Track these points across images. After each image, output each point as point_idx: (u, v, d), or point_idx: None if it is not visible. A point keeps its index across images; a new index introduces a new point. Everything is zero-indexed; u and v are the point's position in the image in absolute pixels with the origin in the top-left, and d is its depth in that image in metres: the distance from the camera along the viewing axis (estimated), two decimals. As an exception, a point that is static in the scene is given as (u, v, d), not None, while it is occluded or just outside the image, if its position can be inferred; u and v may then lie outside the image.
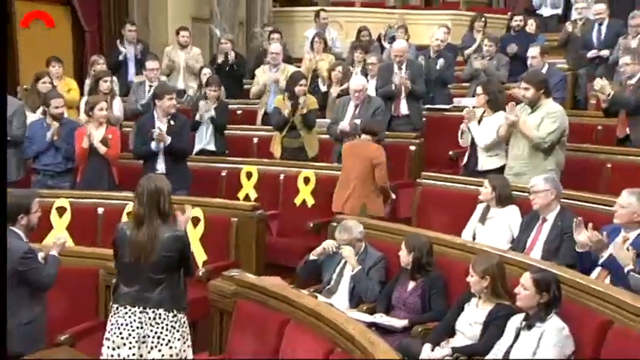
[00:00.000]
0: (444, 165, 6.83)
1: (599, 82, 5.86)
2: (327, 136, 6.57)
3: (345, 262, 4.58)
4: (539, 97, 5.25)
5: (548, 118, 5.20)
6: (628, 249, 3.63)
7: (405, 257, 4.29)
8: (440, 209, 5.51)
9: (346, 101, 6.40)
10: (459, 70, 8.30)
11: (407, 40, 8.17)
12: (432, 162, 6.81)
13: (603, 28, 7.86)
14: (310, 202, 6.03)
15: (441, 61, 7.52)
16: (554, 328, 3.42)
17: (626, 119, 5.88)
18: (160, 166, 5.81)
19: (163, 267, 3.55)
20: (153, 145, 5.79)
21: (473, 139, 5.66)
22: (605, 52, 7.72)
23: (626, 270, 3.57)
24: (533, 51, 6.78)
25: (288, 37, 9.85)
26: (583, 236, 3.90)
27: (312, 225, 5.73)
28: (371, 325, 4.02)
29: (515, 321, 3.58)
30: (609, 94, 5.75)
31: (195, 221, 5.11)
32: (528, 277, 3.52)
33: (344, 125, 6.23)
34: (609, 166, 5.64)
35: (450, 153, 6.83)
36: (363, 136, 5.72)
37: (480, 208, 4.98)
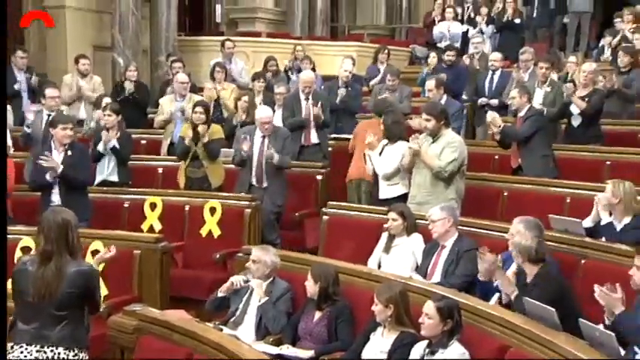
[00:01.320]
0: (351, 193, 6.91)
1: (491, 115, 6.14)
2: (233, 166, 6.52)
3: (251, 293, 4.53)
4: (439, 128, 5.44)
5: (448, 148, 5.38)
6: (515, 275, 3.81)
7: (311, 287, 4.29)
8: (346, 238, 5.55)
9: (251, 131, 6.35)
10: (364, 100, 8.49)
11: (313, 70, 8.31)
12: (338, 190, 6.88)
13: (496, 77, 8.08)
14: (216, 232, 5.95)
15: (341, 91, 7.68)
16: (456, 353, 3.50)
17: (517, 150, 6.16)
18: (55, 197, 5.59)
19: (67, 304, 3.42)
20: (47, 175, 5.59)
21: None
22: (494, 102, 7.90)
23: (512, 297, 3.73)
24: (429, 84, 7.03)
25: (194, 66, 9.78)
26: (484, 265, 4.04)
27: (218, 256, 5.66)
28: (277, 357, 3.99)
29: (419, 348, 3.64)
30: (500, 127, 6.03)
31: (96, 254, 4.93)
32: (432, 306, 3.59)
33: (246, 148, 6.16)
34: (506, 194, 5.87)
35: (356, 182, 6.93)
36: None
37: (384, 237, 5.06)
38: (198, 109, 6.46)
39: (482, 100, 8.05)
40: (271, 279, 4.53)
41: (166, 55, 9.83)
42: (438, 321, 3.55)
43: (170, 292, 5.24)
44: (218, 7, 12.55)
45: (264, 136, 6.22)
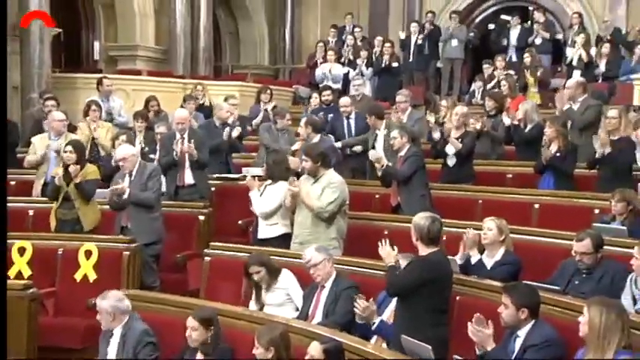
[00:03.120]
0: (236, 234, 6.81)
1: (374, 155, 6.27)
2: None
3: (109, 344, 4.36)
4: (317, 169, 5.50)
5: (328, 188, 5.44)
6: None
7: (195, 334, 4.16)
8: (229, 280, 5.47)
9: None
10: (249, 140, 8.47)
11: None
12: (223, 231, 6.77)
13: (352, 122, 7.86)
14: (92, 276, 5.69)
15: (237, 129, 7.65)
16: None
17: (396, 189, 6.33)
18: None
19: None
20: None
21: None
22: (358, 148, 7.51)
23: (373, 328, 3.80)
24: (302, 121, 7.10)
25: (70, 103, 9.38)
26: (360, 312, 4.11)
27: (93, 302, 5.37)
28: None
29: (300, 390, 3.60)
30: (383, 166, 6.18)
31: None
32: (319, 348, 3.56)
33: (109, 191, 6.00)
34: (386, 232, 5.97)
35: (240, 222, 6.86)
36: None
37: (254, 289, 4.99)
38: (68, 148, 6.19)
39: (345, 149, 7.62)
40: (125, 321, 4.37)
41: (39, 92, 9.39)
42: (325, 364, 3.52)
43: (39, 341, 4.97)
44: (96, 44, 12.20)
45: (130, 173, 6.04)
